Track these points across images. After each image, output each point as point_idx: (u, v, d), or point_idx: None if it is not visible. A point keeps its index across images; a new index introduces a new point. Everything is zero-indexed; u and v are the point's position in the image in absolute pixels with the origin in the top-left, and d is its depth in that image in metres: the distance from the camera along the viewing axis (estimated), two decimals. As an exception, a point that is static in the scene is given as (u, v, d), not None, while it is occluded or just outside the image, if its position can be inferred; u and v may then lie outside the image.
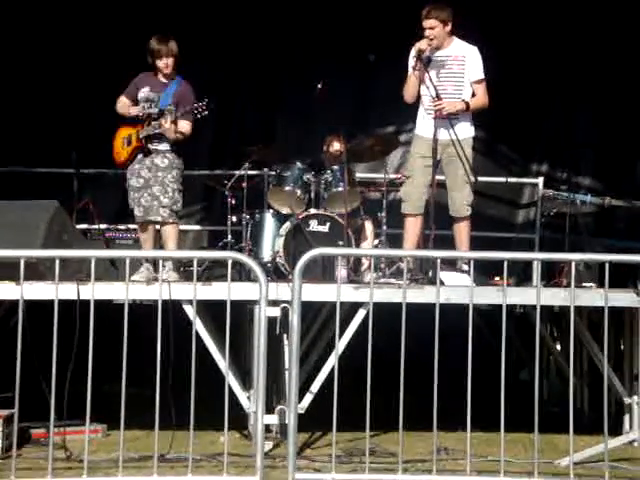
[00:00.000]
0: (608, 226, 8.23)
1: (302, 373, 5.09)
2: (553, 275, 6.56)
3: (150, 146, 6.21)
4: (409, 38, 5.99)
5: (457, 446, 5.09)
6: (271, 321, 4.64)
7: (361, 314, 5.27)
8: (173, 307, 5.00)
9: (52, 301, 4.51)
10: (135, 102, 6.34)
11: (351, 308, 5.32)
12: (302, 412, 5.01)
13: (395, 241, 6.65)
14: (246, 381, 5.52)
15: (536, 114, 8.74)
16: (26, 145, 8.12)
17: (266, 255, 6.82)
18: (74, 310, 4.97)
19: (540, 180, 8.33)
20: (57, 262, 4.52)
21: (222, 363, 5.10)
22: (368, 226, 6.97)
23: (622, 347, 6.13)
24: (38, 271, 5.10)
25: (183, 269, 6.67)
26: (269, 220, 6.96)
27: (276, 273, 6.57)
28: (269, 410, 4.90)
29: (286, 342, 5.07)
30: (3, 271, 5.01)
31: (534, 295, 4.86)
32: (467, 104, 5.92)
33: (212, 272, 6.67)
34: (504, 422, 4.49)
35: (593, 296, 5.28)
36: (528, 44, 8.43)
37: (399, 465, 4.50)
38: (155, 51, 6.23)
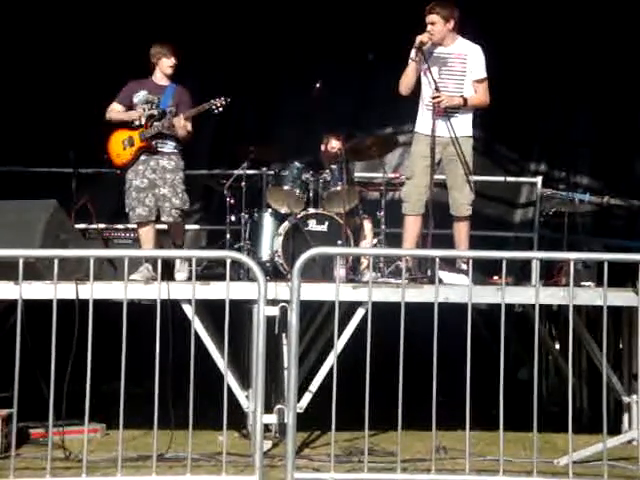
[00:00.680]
0: (606, 225, 8.23)
1: (301, 372, 5.09)
2: (552, 274, 6.57)
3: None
4: (408, 38, 5.99)
5: (456, 445, 5.09)
6: (270, 320, 4.64)
7: (360, 313, 5.27)
8: (172, 307, 5.00)
9: (51, 301, 4.51)
10: (129, 108, 6.46)
11: (350, 307, 5.32)
12: (301, 411, 5.01)
13: (394, 240, 6.65)
14: (245, 380, 5.51)
15: (534, 113, 8.74)
16: (24, 144, 8.11)
17: (265, 254, 6.81)
18: (73, 310, 4.96)
19: (539, 179, 8.34)
20: (56, 262, 4.52)
21: (221, 362, 5.09)
22: (367, 225, 6.97)
23: (621, 346, 6.13)
24: (36, 271, 5.10)
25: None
26: (268, 219, 6.96)
27: (275, 272, 6.57)
28: (268, 409, 4.90)
29: (285, 341, 5.07)
30: (1, 271, 5.00)
31: (533, 294, 4.86)
32: (465, 100, 5.92)
33: (212, 271, 6.68)
34: (503, 421, 4.49)
35: (592, 295, 5.28)
36: (527, 44, 8.44)
37: (398, 464, 4.50)
38: (162, 52, 6.43)
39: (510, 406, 4.53)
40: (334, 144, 7.18)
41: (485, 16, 7.99)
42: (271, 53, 8.47)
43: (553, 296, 5.42)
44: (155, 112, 6.36)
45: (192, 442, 4.49)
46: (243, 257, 4.87)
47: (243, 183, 7.17)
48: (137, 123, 6.42)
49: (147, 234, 6.41)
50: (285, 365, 4.97)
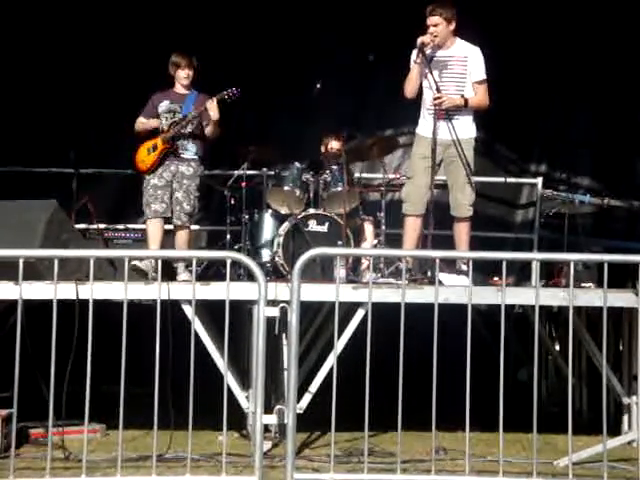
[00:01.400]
0: (607, 226, 8.23)
1: (301, 373, 5.09)
2: (552, 275, 6.57)
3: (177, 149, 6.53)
4: (409, 38, 5.99)
5: (456, 446, 5.09)
6: (270, 321, 4.64)
7: (360, 314, 5.27)
8: (172, 307, 5.00)
9: (51, 301, 4.51)
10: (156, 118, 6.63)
11: (350, 308, 5.32)
12: (301, 412, 5.02)
13: (394, 241, 6.65)
14: (245, 381, 5.52)
15: (535, 114, 8.74)
16: (25, 145, 8.11)
17: (265, 255, 6.82)
18: (73, 310, 4.96)
19: (539, 180, 8.34)
20: (56, 262, 4.52)
21: (221, 363, 5.09)
22: (368, 226, 6.97)
23: (621, 347, 6.13)
24: (37, 271, 5.10)
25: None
26: (268, 220, 6.96)
27: (275, 273, 6.57)
28: (268, 410, 4.89)
29: (285, 342, 5.07)
30: (2, 271, 5.00)
31: (533, 295, 4.86)
32: (466, 100, 5.92)
33: (213, 271, 6.69)
34: (503, 422, 4.49)
35: (592, 296, 5.27)
36: (527, 44, 8.43)
37: (398, 465, 4.50)
38: (178, 62, 6.60)
39: (510, 407, 4.53)
40: (334, 145, 7.18)
41: (485, 17, 7.99)
42: (272, 53, 8.47)
43: (553, 297, 5.42)
44: (177, 119, 6.55)
45: (192, 442, 4.49)
46: (243, 257, 4.87)
47: (243, 183, 7.17)
48: (160, 128, 6.58)
49: (156, 231, 6.51)
50: (285, 366, 4.96)
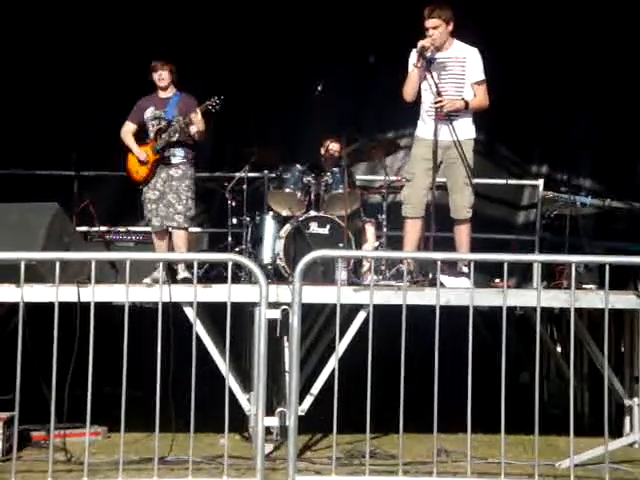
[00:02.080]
0: (608, 228, 8.23)
1: (302, 375, 5.09)
2: (553, 277, 6.56)
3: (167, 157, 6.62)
4: (409, 39, 5.99)
5: (457, 448, 5.08)
6: (271, 323, 4.64)
7: (361, 316, 5.27)
8: (173, 309, 5.00)
9: (52, 303, 4.51)
10: (141, 125, 6.73)
11: (351, 310, 5.32)
12: (302, 414, 5.01)
13: (395, 243, 6.65)
14: (246, 383, 5.51)
15: (535, 115, 8.74)
16: (26, 147, 8.12)
17: (266, 257, 6.81)
18: (75, 312, 4.96)
19: (540, 182, 8.33)
20: (57, 264, 4.52)
21: (222, 365, 5.09)
22: (369, 228, 6.97)
23: (622, 349, 6.12)
24: (38, 273, 5.10)
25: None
26: (269, 222, 6.96)
27: (276, 275, 6.57)
28: (269, 412, 4.89)
29: (286, 344, 5.07)
30: (3, 273, 5.01)
31: (534, 297, 4.86)
32: (467, 103, 5.92)
33: (214, 274, 6.69)
34: (504, 424, 4.49)
35: (593, 298, 5.27)
36: (527, 45, 8.44)
37: (399, 467, 4.50)
38: (152, 66, 6.67)
39: (511, 409, 4.53)
40: (334, 147, 7.18)
41: (485, 18, 8.00)
42: (273, 55, 8.48)
43: (555, 299, 5.42)
44: (162, 126, 6.63)
45: (194, 445, 4.49)
46: (245, 260, 4.88)
47: (245, 186, 7.18)
48: (148, 140, 6.67)
49: (162, 245, 6.67)
50: (286, 368, 4.97)
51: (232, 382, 5.09)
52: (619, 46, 8.34)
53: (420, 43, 5.84)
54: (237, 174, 7.31)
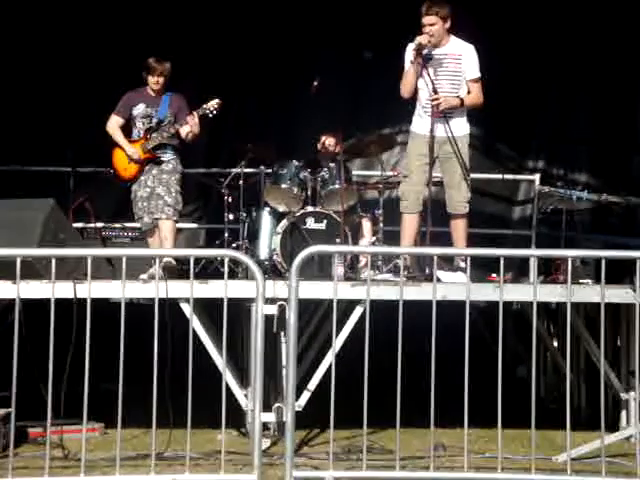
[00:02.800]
0: (605, 222, 8.23)
1: (299, 371, 5.09)
2: (550, 272, 6.57)
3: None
4: (406, 36, 5.98)
5: (455, 443, 5.09)
6: (268, 319, 4.64)
7: (358, 311, 5.27)
8: (170, 305, 4.99)
9: (48, 300, 4.50)
10: (128, 120, 6.66)
11: (348, 305, 5.32)
12: (299, 410, 5.01)
13: (392, 238, 6.65)
14: (243, 379, 5.51)
15: (532, 111, 8.74)
16: (22, 143, 8.10)
17: (263, 253, 6.81)
18: (71, 308, 4.96)
19: (537, 177, 8.34)
20: (53, 261, 4.51)
21: (219, 361, 5.09)
22: (365, 224, 6.97)
23: (619, 343, 6.13)
24: (34, 270, 5.09)
25: (181, 267, 6.68)
26: (266, 218, 6.95)
27: (273, 271, 6.57)
28: (266, 408, 4.90)
29: (283, 340, 5.07)
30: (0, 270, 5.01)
31: (531, 292, 4.86)
32: (462, 100, 5.92)
33: (212, 269, 6.69)
34: (501, 418, 4.50)
35: (590, 292, 5.28)
36: (524, 40, 8.43)
37: (397, 462, 4.51)
38: (151, 68, 6.59)
39: (508, 403, 4.53)
40: (330, 142, 7.18)
41: (482, 14, 7.99)
42: (269, 52, 8.46)
43: (551, 293, 5.43)
44: (153, 124, 6.59)
45: (191, 441, 4.49)
46: (241, 256, 4.87)
47: (241, 181, 7.17)
48: (135, 137, 6.62)
49: (154, 242, 6.60)
50: (284, 363, 4.97)
51: (229, 378, 5.08)
52: (617, 42, 8.33)
53: (417, 40, 5.83)
54: (233, 170, 7.30)
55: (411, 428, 5.03)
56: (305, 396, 5.27)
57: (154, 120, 6.60)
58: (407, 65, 5.93)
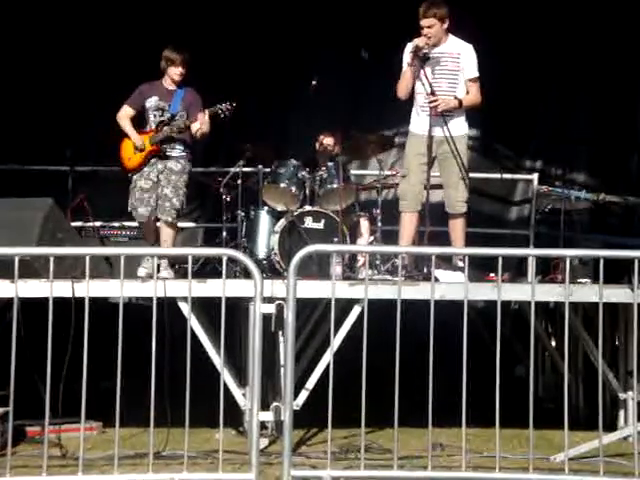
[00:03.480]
0: (603, 222, 8.24)
1: (297, 370, 5.09)
2: (548, 271, 6.57)
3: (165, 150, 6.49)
4: (405, 35, 5.98)
5: (452, 442, 5.09)
6: (266, 318, 4.64)
7: (356, 311, 5.27)
8: (168, 304, 4.99)
9: (47, 299, 4.50)
10: (140, 111, 6.58)
11: (346, 305, 5.32)
12: (297, 409, 5.02)
13: (390, 238, 6.65)
14: (241, 378, 5.52)
15: (531, 110, 8.74)
16: (21, 142, 8.10)
17: (261, 252, 6.82)
18: (70, 307, 4.96)
19: (535, 176, 8.34)
20: (52, 260, 4.51)
21: (217, 360, 5.09)
22: (364, 223, 6.98)
23: (617, 343, 6.14)
24: (33, 269, 5.09)
25: (178, 267, 6.68)
26: (264, 217, 6.96)
27: (271, 270, 6.57)
28: (264, 407, 4.89)
29: (281, 339, 5.07)
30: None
31: (529, 291, 4.86)
32: (460, 101, 5.92)
33: (210, 269, 6.69)
34: (499, 418, 4.50)
35: (588, 292, 5.29)
36: (524, 40, 8.44)
37: (395, 461, 4.51)
38: (172, 59, 6.51)
39: (506, 403, 4.54)
40: (328, 142, 7.18)
41: (482, 13, 8.00)
42: (267, 51, 8.47)
43: (549, 293, 5.43)
44: (165, 118, 6.51)
45: (189, 440, 4.49)
46: (239, 255, 4.87)
47: (239, 181, 7.17)
48: (147, 129, 6.55)
49: (150, 230, 6.53)
50: (282, 363, 4.97)
51: (227, 377, 5.09)
52: (616, 42, 8.34)
53: (414, 42, 5.83)
54: (232, 169, 7.30)
55: (409, 427, 5.03)
56: (303, 395, 5.28)
57: (166, 114, 6.51)
58: (404, 66, 5.93)
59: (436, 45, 5.93)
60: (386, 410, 4.57)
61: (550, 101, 8.82)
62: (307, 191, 6.87)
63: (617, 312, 5.92)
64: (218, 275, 5.06)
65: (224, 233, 7.18)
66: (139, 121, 6.65)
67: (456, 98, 5.91)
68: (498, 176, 8.47)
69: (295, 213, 6.72)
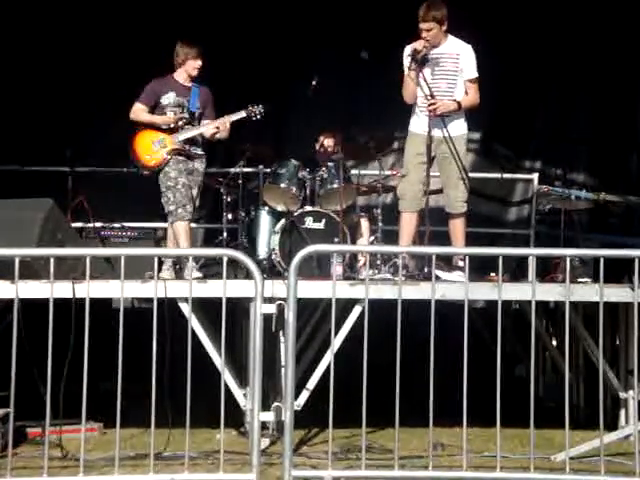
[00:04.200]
0: (603, 221, 8.24)
1: (298, 370, 5.09)
2: (548, 271, 6.57)
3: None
4: (405, 35, 5.98)
5: (453, 442, 5.10)
6: (267, 318, 4.64)
7: (357, 311, 5.27)
8: (169, 305, 4.99)
9: (47, 300, 4.50)
10: (152, 109, 6.41)
11: (347, 305, 5.32)
12: (298, 409, 5.02)
13: (391, 237, 6.65)
14: (242, 378, 5.52)
15: (531, 110, 8.75)
16: (21, 143, 8.10)
17: (262, 252, 6.82)
18: (70, 308, 4.96)
19: (535, 176, 8.35)
20: (52, 261, 4.51)
21: (218, 360, 5.09)
22: (364, 223, 6.98)
23: (617, 342, 6.14)
24: (33, 270, 5.09)
25: (179, 267, 6.68)
26: (264, 217, 6.96)
27: (272, 270, 6.57)
28: (265, 407, 4.89)
29: (282, 339, 5.07)
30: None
31: (529, 290, 4.86)
32: (459, 104, 5.92)
33: (214, 269, 6.69)
34: (500, 418, 4.50)
35: (588, 291, 5.29)
36: (523, 40, 8.44)
37: (395, 461, 4.51)
38: (190, 52, 6.39)
39: (507, 402, 4.54)
40: (329, 142, 7.18)
41: (481, 13, 8.00)
42: (268, 51, 8.47)
43: (549, 292, 5.43)
44: (186, 115, 6.40)
45: (190, 440, 4.49)
46: (240, 255, 4.87)
47: (240, 181, 7.17)
48: (164, 126, 6.40)
49: (188, 231, 6.40)
50: (282, 363, 4.97)
51: (228, 377, 5.09)
52: (615, 41, 8.34)
53: (413, 46, 5.83)
54: (232, 169, 7.30)
55: (410, 427, 5.03)
56: (304, 395, 5.28)
57: (185, 111, 6.38)
58: (405, 70, 5.93)
59: (435, 46, 5.93)
60: (387, 410, 4.57)
61: (550, 101, 8.82)
62: (307, 191, 6.87)
63: (617, 311, 5.92)
64: (219, 275, 5.06)
65: (224, 233, 7.17)
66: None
67: (455, 100, 5.91)
68: (498, 176, 8.47)
69: (295, 213, 6.72)
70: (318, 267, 6.13)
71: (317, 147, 7.32)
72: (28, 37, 8.26)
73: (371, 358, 4.53)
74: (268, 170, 7.14)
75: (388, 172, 7.50)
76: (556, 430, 5.10)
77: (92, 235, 7.18)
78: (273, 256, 6.64)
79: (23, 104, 8.19)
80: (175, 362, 4.87)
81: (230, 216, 7.20)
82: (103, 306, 5.05)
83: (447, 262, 5.91)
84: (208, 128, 6.41)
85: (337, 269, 5.71)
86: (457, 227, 6.03)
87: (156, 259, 5.22)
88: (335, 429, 4.54)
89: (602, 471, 4.49)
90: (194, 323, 5.02)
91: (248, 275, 4.74)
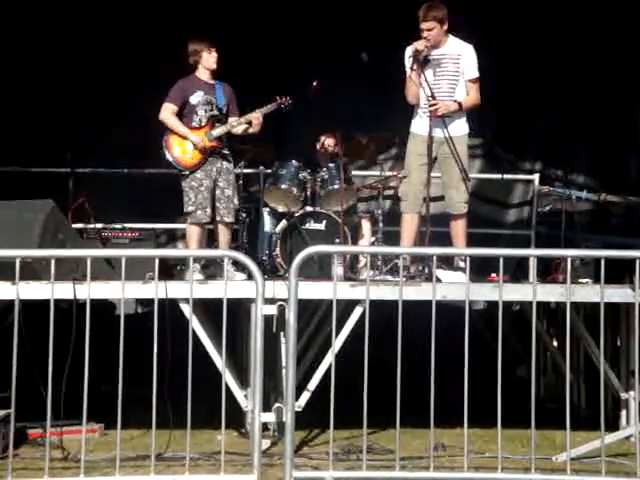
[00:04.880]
0: (604, 222, 8.24)
1: (299, 371, 5.09)
2: (549, 271, 6.57)
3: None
4: (406, 36, 5.98)
5: (454, 443, 5.09)
6: (268, 319, 4.64)
7: (358, 312, 5.27)
8: (170, 306, 4.99)
9: (48, 301, 4.50)
10: (182, 108, 6.37)
11: (348, 306, 5.32)
12: (299, 410, 5.01)
13: (392, 238, 6.65)
14: (243, 379, 5.51)
15: (530, 111, 8.74)
16: (21, 144, 8.10)
17: (263, 253, 6.81)
18: (71, 309, 4.96)
19: (535, 177, 8.34)
20: (53, 262, 4.51)
21: (219, 361, 5.09)
22: (365, 224, 6.97)
23: (619, 343, 6.14)
24: (34, 271, 5.09)
25: (180, 268, 6.68)
26: (265, 218, 6.96)
27: (273, 271, 6.57)
28: (266, 408, 4.90)
29: (283, 340, 5.07)
30: (-1, 271, 5.00)
31: (530, 291, 4.86)
32: (460, 105, 5.92)
33: (219, 271, 6.68)
34: (501, 418, 4.50)
35: (589, 292, 5.28)
36: (523, 40, 8.43)
37: (396, 462, 4.51)
38: (202, 47, 6.37)
39: (508, 403, 4.54)
40: (330, 142, 7.18)
41: (481, 14, 7.99)
42: (268, 51, 8.46)
43: (550, 293, 5.43)
44: (216, 112, 6.38)
45: (191, 441, 4.49)
46: (241, 256, 4.87)
47: (240, 182, 7.17)
48: (196, 125, 6.35)
49: (203, 233, 6.36)
50: (283, 364, 4.97)
51: (229, 378, 5.08)
52: (615, 41, 8.34)
53: (414, 46, 5.83)
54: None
55: (411, 428, 5.03)
56: (305, 396, 5.27)
57: (215, 108, 6.36)
58: (407, 71, 5.93)
59: (436, 47, 5.93)
60: (388, 411, 4.57)
61: (550, 101, 8.81)
62: (308, 192, 6.87)
63: (618, 312, 5.92)
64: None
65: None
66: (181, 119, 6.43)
67: (456, 101, 5.91)
68: (499, 176, 8.46)
69: (296, 214, 6.72)
70: (319, 268, 6.12)
71: (318, 147, 7.32)
72: (28, 38, 8.25)
73: (372, 359, 4.53)
74: (269, 171, 7.14)
75: (389, 173, 7.49)
76: (557, 431, 5.11)
77: (93, 236, 7.19)
78: (274, 257, 6.64)
79: (24, 105, 8.18)
80: (176, 363, 4.87)
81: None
82: (107, 313, 5.04)
83: (448, 263, 5.91)
84: (240, 122, 6.37)
85: (338, 270, 5.70)
86: (458, 228, 6.03)
87: (157, 260, 5.25)
88: (336, 430, 4.54)
89: (603, 472, 4.50)
90: (195, 324, 5.02)
91: (249, 276, 4.74)
